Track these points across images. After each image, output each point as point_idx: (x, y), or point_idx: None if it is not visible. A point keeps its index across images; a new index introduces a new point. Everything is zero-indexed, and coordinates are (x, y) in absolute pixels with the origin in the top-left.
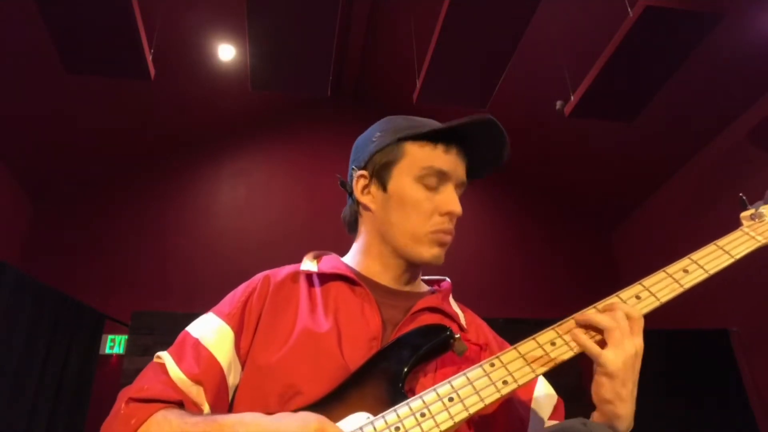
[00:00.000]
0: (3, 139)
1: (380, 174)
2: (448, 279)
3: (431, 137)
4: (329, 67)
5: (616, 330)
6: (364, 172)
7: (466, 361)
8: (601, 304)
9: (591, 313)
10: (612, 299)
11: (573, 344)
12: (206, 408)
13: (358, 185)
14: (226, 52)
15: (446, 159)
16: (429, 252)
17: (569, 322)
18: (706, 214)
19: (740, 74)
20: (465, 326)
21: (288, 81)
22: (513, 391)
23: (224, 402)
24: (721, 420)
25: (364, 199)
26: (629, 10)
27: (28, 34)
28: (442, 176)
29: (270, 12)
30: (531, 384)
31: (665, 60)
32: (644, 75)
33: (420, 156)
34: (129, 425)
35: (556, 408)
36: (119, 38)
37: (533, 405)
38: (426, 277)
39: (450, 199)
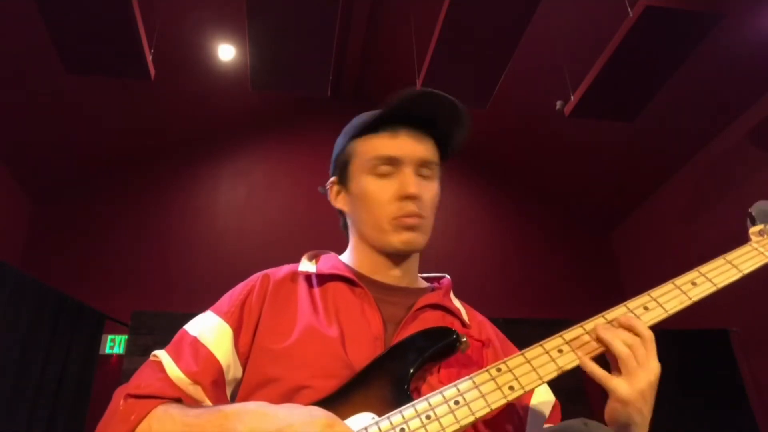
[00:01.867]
0: (3, 139)
1: (342, 177)
2: (447, 276)
3: (371, 128)
4: (329, 67)
5: (631, 359)
6: (334, 179)
7: (471, 362)
8: (610, 314)
9: (605, 333)
10: (620, 309)
11: (580, 353)
12: (208, 404)
13: (332, 193)
14: (226, 52)
15: (393, 144)
16: (397, 239)
17: (577, 330)
18: (705, 214)
19: (740, 74)
20: (467, 322)
21: (288, 81)
22: (519, 397)
23: (224, 400)
24: (722, 420)
25: (339, 205)
26: (629, 10)
27: (28, 34)
28: (392, 162)
29: (270, 12)
30: None
31: (665, 60)
32: (644, 75)
33: (366, 149)
34: (128, 421)
35: (553, 410)
36: (119, 38)
37: (531, 406)
38: (425, 275)
39: (404, 182)
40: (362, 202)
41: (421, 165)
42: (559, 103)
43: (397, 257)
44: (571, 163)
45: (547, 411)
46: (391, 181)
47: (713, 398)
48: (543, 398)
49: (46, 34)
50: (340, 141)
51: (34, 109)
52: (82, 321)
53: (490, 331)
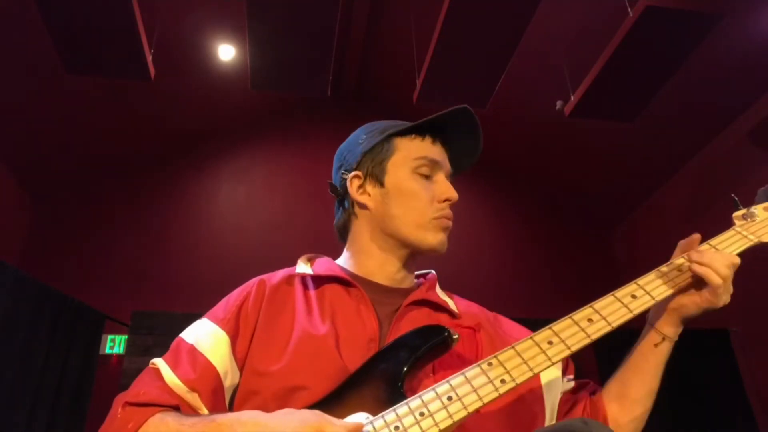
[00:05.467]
0: (3, 139)
1: (375, 171)
2: (433, 271)
3: (418, 130)
4: (329, 67)
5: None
6: (357, 172)
7: (465, 353)
8: (597, 304)
9: (701, 257)
10: (608, 298)
11: (570, 342)
12: (204, 412)
13: (353, 186)
14: (226, 52)
15: (435, 149)
16: (435, 238)
17: (565, 321)
18: (705, 214)
19: (740, 74)
20: (456, 312)
21: (288, 81)
22: (512, 390)
23: (221, 406)
24: (721, 420)
25: (362, 198)
26: (629, 10)
27: (28, 34)
28: (434, 165)
29: (270, 12)
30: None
31: (665, 60)
32: (644, 75)
33: (412, 148)
34: (126, 429)
35: (567, 366)
36: (119, 38)
37: (544, 389)
38: (416, 272)
39: (446, 186)
40: (400, 198)
41: (449, 175)
42: (559, 103)
43: (415, 254)
44: (570, 162)
45: (558, 373)
46: (430, 183)
47: (713, 398)
48: (552, 374)
49: (46, 34)
50: (368, 138)
51: (34, 108)
52: (82, 321)
53: (479, 315)
